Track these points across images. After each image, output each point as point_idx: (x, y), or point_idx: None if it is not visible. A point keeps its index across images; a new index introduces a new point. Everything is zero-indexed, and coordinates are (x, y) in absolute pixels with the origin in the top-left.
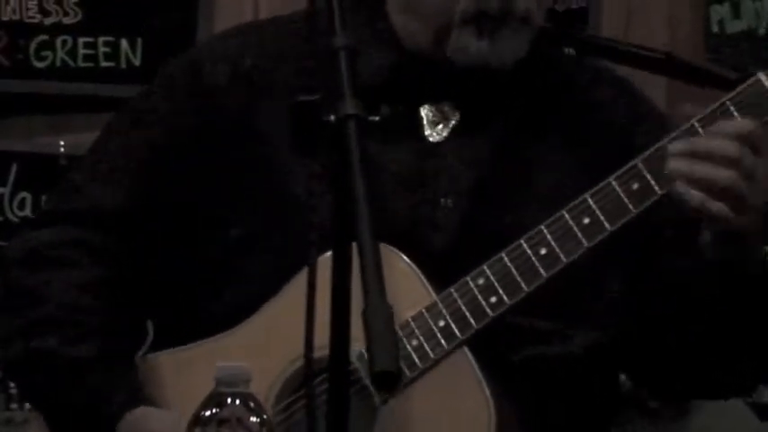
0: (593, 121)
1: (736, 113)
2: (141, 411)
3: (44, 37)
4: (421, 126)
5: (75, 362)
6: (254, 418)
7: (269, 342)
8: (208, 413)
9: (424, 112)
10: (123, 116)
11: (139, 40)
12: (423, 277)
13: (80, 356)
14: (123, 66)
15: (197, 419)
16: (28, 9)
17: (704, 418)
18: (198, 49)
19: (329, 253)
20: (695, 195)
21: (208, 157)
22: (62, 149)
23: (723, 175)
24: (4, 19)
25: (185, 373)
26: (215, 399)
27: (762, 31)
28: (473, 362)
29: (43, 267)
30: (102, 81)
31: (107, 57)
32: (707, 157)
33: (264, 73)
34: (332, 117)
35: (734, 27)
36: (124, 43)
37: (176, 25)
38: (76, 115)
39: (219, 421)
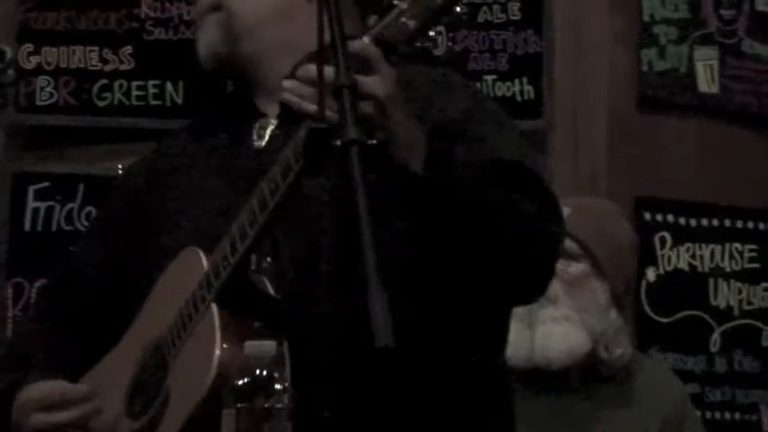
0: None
1: None
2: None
3: (104, 81)
4: (250, 136)
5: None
6: (278, 386)
7: (141, 330)
8: (240, 382)
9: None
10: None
11: (181, 83)
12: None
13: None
14: (168, 103)
15: (233, 388)
16: (90, 58)
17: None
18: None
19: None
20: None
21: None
22: (119, 172)
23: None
24: (72, 67)
25: (91, 377)
26: (246, 371)
27: (683, 70)
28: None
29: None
30: (151, 116)
31: (155, 96)
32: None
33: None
34: (338, 142)
35: (660, 66)
36: (169, 85)
37: None
38: (131, 144)
39: (251, 388)
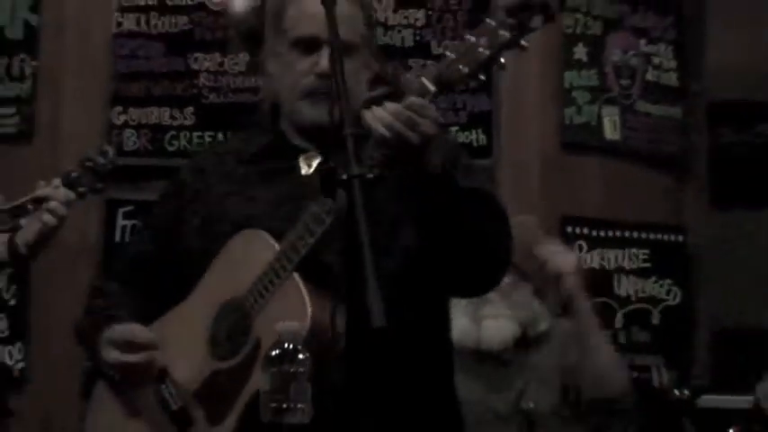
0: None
1: None
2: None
3: (173, 132)
4: (297, 167)
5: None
6: (300, 355)
7: (207, 295)
8: (273, 353)
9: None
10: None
11: (228, 133)
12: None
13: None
14: None
15: (267, 357)
16: (163, 116)
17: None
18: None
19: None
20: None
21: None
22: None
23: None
24: (150, 122)
25: (162, 325)
26: (277, 345)
27: (594, 123)
28: (297, 278)
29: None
30: None
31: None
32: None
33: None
34: (344, 176)
35: (578, 120)
36: (219, 135)
37: (254, 123)
38: None
39: (280, 357)
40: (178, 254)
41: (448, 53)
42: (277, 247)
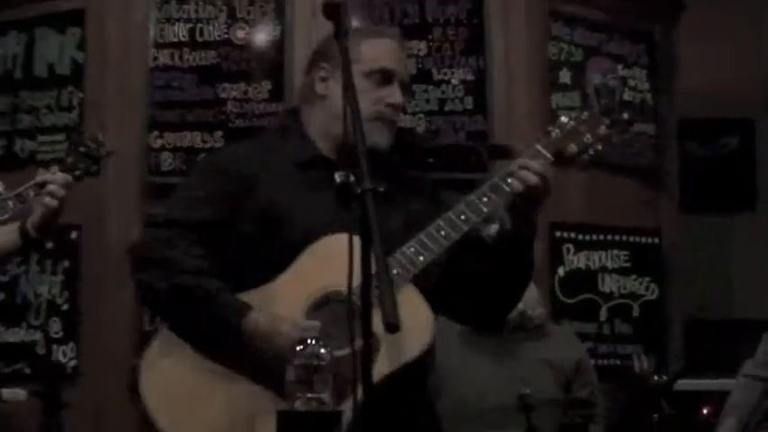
0: (416, 185)
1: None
2: (256, 312)
3: (204, 154)
4: (321, 180)
5: (207, 291)
6: (322, 350)
7: (300, 282)
8: (298, 348)
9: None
10: (205, 169)
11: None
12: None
13: (209, 288)
14: None
15: (292, 351)
16: (195, 140)
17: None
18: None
19: (338, 235)
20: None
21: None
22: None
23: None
24: (184, 145)
25: (265, 303)
26: (302, 341)
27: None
28: (414, 290)
29: (170, 247)
30: None
31: None
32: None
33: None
34: (359, 189)
35: None
36: None
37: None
38: None
39: (305, 352)
40: (232, 231)
41: (555, 130)
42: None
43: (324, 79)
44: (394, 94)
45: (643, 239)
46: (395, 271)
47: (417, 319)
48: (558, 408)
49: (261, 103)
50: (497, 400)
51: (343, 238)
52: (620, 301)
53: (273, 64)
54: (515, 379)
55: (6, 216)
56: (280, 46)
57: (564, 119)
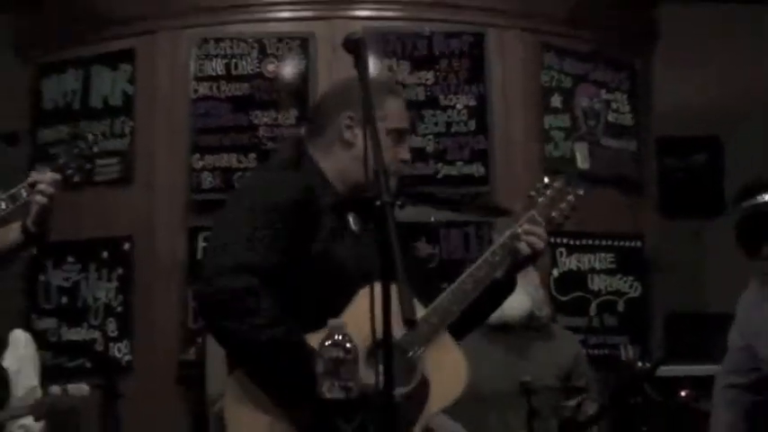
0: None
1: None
2: None
3: (240, 173)
4: (347, 221)
5: (293, 344)
6: (348, 344)
7: (354, 328)
8: (327, 343)
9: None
10: (267, 210)
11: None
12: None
13: (299, 341)
14: None
15: (321, 346)
16: (231, 161)
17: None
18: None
19: (373, 284)
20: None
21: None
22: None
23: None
24: (222, 166)
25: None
26: (328, 336)
27: (568, 155)
28: (449, 336)
29: (249, 295)
30: None
31: None
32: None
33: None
34: (378, 202)
35: (556, 154)
36: None
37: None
38: None
39: (333, 346)
40: (286, 273)
41: (540, 198)
42: (419, 307)
43: (350, 127)
44: (405, 152)
45: (627, 243)
46: (434, 320)
47: (456, 365)
48: (556, 393)
49: (289, 127)
50: (505, 386)
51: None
52: (608, 297)
53: (299, 93)
54: (521, 370)
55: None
56: (304, 78)
57: (542, 185)
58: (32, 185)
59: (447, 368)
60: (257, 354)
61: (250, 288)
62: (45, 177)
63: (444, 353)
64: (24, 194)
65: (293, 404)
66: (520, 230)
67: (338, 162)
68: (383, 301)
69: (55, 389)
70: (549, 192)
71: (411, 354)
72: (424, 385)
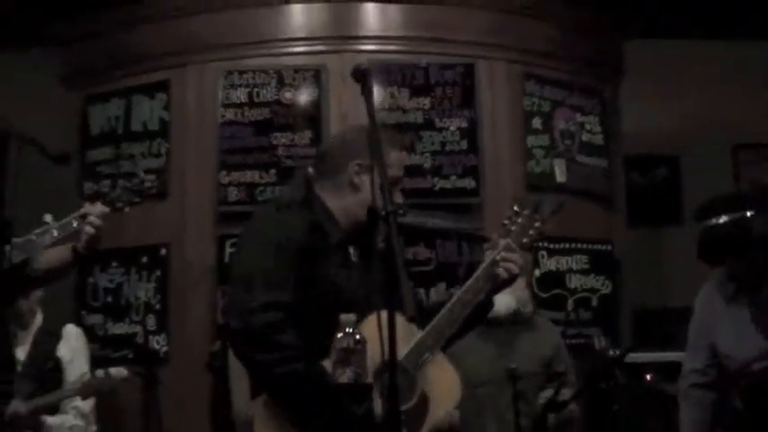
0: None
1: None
2: None
3: (261, 188)
4: (349, 254)
5: (315, 374)
6: (357, 336)
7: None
8: (339, 335)
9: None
10: (282, 248)
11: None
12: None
13: (320, 371)
14: None
15: (334, 339)
16: (254, 177)
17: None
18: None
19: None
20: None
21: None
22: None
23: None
24: (246, 181)
25: None
26: (340, 329)
27: (548, 171)
28: (443, 355)
29: (278, 332)
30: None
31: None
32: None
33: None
34: (383, 212)
35: (537, 170)
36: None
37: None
38: None
39: (344, 338)
40: (314, 288)
41: (513, 227)
42: (416, 331)
43: (358, 173)
44: (398, 196)
45: (599, 247)
46: (430, 341)
47: (450, 382)
48: (539, 378)
49: (304, 147)
50: (495, 374)
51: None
52: (583, 294)
53: (313, 118)
54: (509, 359)
55: (50, 242)
56: (317, 104)
57: (513, 213)
58: (83, 216)
59: (442, 384)
60: (285, 383)
61: (277, 324)
62: (95, 210)
63: (440, 370)
64: (75, 224)
65: (317, 427)
66: (498, 258)
67: (344, 202)
68: (389, 328)
69: (99, 372)
70: (519, 220)
71: (411, 372)
72: (423, 400)
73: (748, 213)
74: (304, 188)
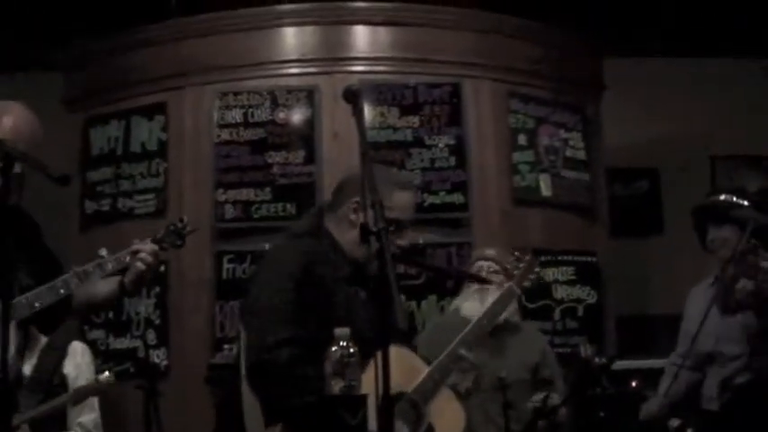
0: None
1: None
2: None
3: (257, 205)
4: (358, 290)
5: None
6: (351, 349)
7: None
8: (333, 348)
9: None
10: (283, 286)
11: (295, 204)
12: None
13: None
14: (288, 215)
15: (329, 353)
16: (249, 194)
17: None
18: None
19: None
20: None
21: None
22: (267, 248)
23: None
24: (241, 200)
25: None
26: (334, 343)
27: (533, 185)
28: (448, 389)
29: (300, 365)
30: (281, 221)
31: (282, 210)
32: None
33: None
34: (375, 228)
35: (523, 184)
36: (288, 206)
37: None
38: (272, 235)
39: (339, 351)
40: (325, 321)
41: (515, 272)
42: (423, 365)
43: (355, 210)
44: (403, 239)
45: (584, 258)
46: (437, 376)
47: (455, 414)
48: (527, 386)
49: (297, 165)
50: (485, 383)
51: (397, 350)
52: (569, 304)
53: (306, 137)
54: (498, 367)
55: (104, 274)
56: (310, 124)
57: (515, 259)
58: (135, 253)
59: (448, 416)
60: (305, 414)
61: (295, 359)
62: (146, 248)
63: (445, 403)
64: (127, 259)
65: None
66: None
67: (344, 236)
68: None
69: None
70: (521, 265)
71: (420, 407)
72: (430, 431)
73: (745, 202)
74: (316, 219)
